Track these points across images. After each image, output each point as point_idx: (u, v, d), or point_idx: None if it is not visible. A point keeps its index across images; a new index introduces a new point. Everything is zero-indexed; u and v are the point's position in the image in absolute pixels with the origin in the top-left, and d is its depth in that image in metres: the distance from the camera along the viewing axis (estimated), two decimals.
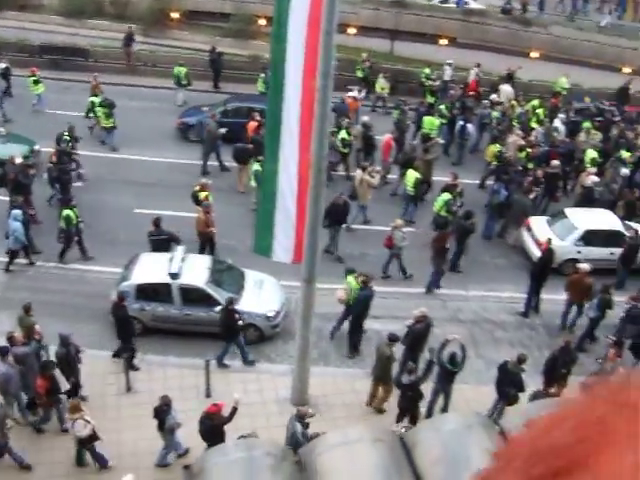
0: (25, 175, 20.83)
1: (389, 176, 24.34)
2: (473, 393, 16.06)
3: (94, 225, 20.55)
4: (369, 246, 21.09)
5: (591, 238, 21.06)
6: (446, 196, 21.38)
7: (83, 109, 25.78)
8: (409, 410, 15.02)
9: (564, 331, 18.73)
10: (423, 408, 15.40)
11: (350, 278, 17.62)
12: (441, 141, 25.60)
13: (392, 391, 15.70)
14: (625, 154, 24.92)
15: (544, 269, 19.50)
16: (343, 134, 24.08)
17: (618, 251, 20.60)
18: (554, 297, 19.70)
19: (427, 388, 15.24)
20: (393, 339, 15.72)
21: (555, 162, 23.56)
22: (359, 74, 29.98)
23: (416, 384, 14.79)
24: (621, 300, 18.45)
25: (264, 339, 17.81)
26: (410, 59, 33.33)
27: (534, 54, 34.55)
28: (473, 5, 36.84)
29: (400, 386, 15.15)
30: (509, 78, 30.80)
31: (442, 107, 27.31)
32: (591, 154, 24.73)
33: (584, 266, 18.84)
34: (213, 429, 13.54)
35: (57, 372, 14.77)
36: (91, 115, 25.50)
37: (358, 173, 22.12)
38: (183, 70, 28.24)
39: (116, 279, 17.96)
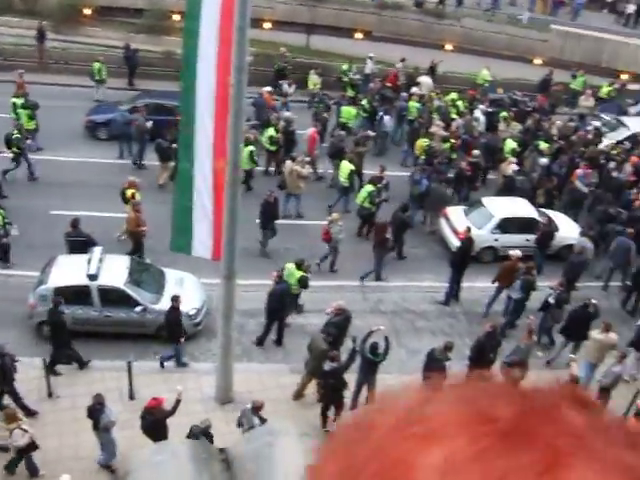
0: None
1: (320, 171, 24.47)
2: (396, 383, 16.13)
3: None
4: (294, 241, 21.12)
5: (507, 226, 21.58)
6: (369, 188, 21.61)
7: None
8: (333, 401, 15.11)
9: (485, 318, 18.98)
10: (347, 399, 15.49)
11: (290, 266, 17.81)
12: (372, 134, 25.78)
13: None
14: (543, 145, 25.62)
15: (464, 258, 19.90)
16: (271, 132, 23.98)
17: (533, 237, 21.21)
18: (473, 285, 20.11)
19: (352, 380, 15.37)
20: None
21: (476, 152, 24.12)
22: (276, 67, 29.84)
23: (338, 371, 14.87)
24: (543, 285, 19.02)
25: (187, 338, 17.65)
26: (326, 53, 33.42)
27: (448, 46, 35.03)
28: None
29: (322, 374, 15.19)
30: (431, 71, 31.25)
31: (364, 102, 27.43)
32: (510, 144, 25.36)
33: (516, 252, 19.35)
34: (155, 424, 13.47)
35: None
36: (13, 116, 24.62)
37: (288, 164, 22.22)
38: (99, 65, 27.68)
39: (34, 283, 17.52)
